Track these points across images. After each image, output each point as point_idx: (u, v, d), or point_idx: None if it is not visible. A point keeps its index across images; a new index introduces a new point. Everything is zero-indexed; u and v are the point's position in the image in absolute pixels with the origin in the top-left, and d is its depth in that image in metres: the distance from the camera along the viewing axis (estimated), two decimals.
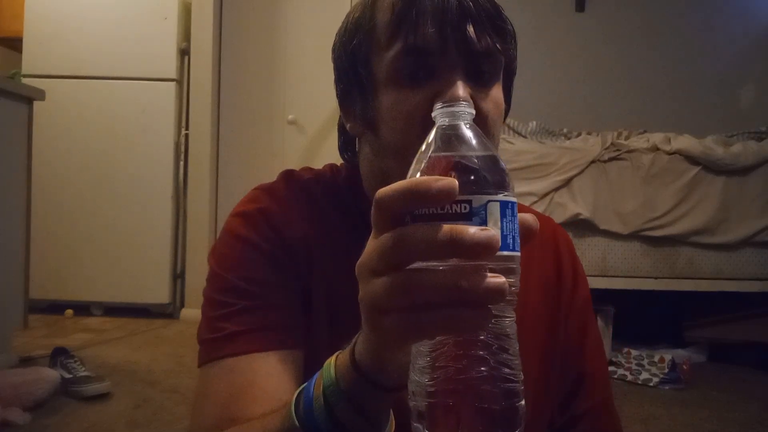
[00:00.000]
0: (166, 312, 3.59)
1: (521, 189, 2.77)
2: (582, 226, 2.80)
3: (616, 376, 2.60)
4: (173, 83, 3.58)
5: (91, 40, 3.53)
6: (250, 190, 0.72)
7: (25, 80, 3.23)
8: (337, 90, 0.69)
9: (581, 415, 0.74)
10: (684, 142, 2.85)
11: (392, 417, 0.48)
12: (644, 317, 3.10)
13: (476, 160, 0.38)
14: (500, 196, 0.37)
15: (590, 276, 3.02)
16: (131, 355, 2.70)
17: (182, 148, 3.64)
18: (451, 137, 0.39)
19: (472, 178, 0.37)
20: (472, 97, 0.58)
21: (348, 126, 0.69)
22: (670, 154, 2.82)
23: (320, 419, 0.45)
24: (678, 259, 2.81)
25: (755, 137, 3.09)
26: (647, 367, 2.62)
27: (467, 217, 0.36)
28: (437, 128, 0.40)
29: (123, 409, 2.07)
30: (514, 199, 0.38)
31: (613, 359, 2.72)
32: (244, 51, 3.78)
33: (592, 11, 3.91)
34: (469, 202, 0.36)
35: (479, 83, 0.61)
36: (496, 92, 0.63)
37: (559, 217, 2.75)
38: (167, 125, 3.58)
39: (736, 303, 2.87)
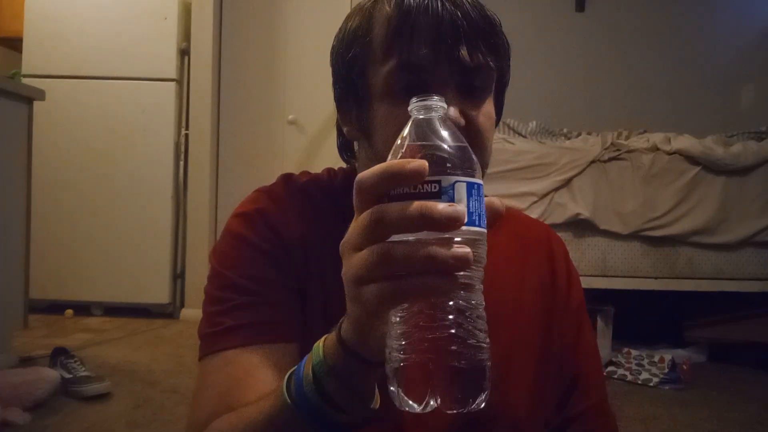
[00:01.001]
0: (166, 312, 3.59)
1: (521, 189, 2.77)
2: (582, 226, 2.80)
3: (616, 376, 2.60)
4: (173, 83, 3.58)
5: (91, 40, 3.53)
6: (251, 192, 0.74)
7: (25, 80, 3.24)
8: (335, 92, 0.71)
9: (577, 416, 0.75)
10: (684, 142, 2.85)
11: (377, 392, 0.51)
12: (644, 317, 3.10)
13: (447, 148, 0.41)
14: (467, 178, 0.41)
15: (590, 276, 3.02)
16: (131, 355, 2.70)
17: (182, 148, 3.64)
18: (424, 128, 0.43)
19: (443, 161, 0.41)
20: (464, 112, 0.61)
21: (345, 130, 0.71)
22: (670, 154, 2.82)
23: (310, 394, 0.48)
24: (678, 259, 2.81)
25: (755, 137, 3.09)
26: (647, 367, 2.62)
27: (437, 196, 0.40)
28: (412, 120, 0.44)
29: (123, 409, 2.07)
30: (480, 181, 0.42)
31: (613, 359, 2.72)
32: (244, 51, 3.78)
33: (592, 11, 3.91)
34: (439, 182, 0.40)
35: (471, 98, 0.63)
36: (488, 106, 0.66)
37: (559, 217, 2.75)
38: (167, 125, 3.58)
39: (736, 303, 2.87)
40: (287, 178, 0.75)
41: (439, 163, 0.40)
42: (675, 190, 2.79)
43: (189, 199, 3.66)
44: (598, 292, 2.68)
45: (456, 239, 0.39)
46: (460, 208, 0.39)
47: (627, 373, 2.62)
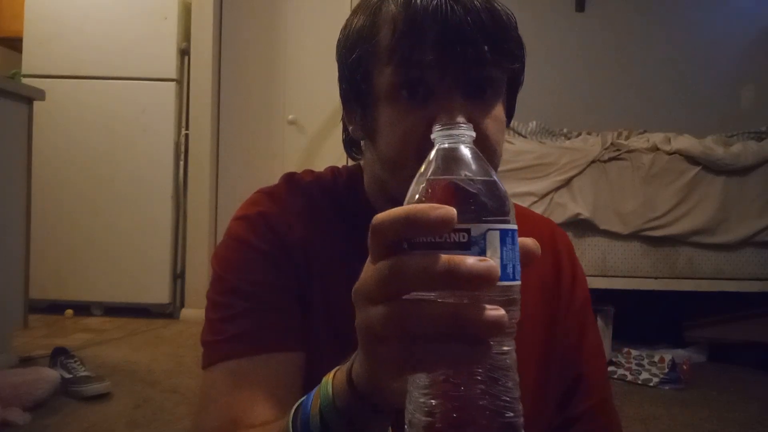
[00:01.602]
0: (166, 312, 3.59)
1: (521, 189, 2.76)
2: (582, 226, 2.80)
3: (616, 376, 2.60)
4: (173, 83, 3.58)
5: (91, 40, 3.53)
6: (253, 193, 0.73)
7: (25, 80, 3.24)
8: (340, 89, 0.69)
9: (580, 415, 0.74)
10: (684, 142, 2.85)
11: None
12: (644, 317, 3.10)
13: (476, 185, 0.37)
14: (500, 225, 0.36)
15: (590, 276, 3.02)
16: (131, 355, 2.70)
17: (182, 148, 3.64)
18: (450, 160, 0.38)
19: (471, 204, 0.36)
20: (472, 118, 0.58)
21: (350, 128, 0.70)
22: (670, 154, 2.82)
23: None
24: (678, 259, 2.81)
25: (755, 137, 3.09)
26: (647, 367, 2.62)
27: (466, 247, 0.35)
28: (437, 150, 0.39)
29: (123, 409, 2.07)
30: (514, 227, 0.37)
31: (613, 359, 2.72)
32: (244, 51, 3.78)
33: (592, 11, 3.90)
34: (468, 231, 0.35)
35: (480, 104, 0.61)
36: (498, 110, 0.63)
37: (559, 217, 2.75)
38: (167, 125, 3.58)
39: (736, 303, 2.87)
40: (290, 179, 0.74)
41: (468, 206, 0.36)
42: (675, 190, 2.79)
43: (189, 199, 3.66)
44: (598, 292, 2.68)
45: (488, 297, 0.35)
46: (493, 263, 0.34)
47: (627, 373, 2.62)
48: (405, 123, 0.60)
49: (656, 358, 2.63)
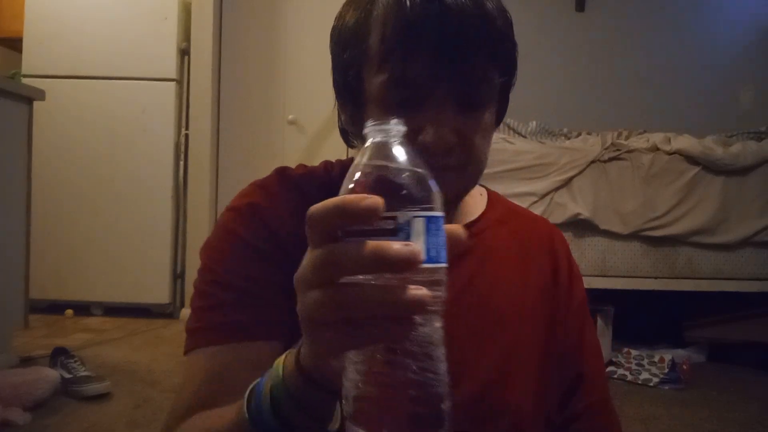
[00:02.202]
0: (166, 312, 3.59)
1: (521, 189, 2.76)
2: (582, 226, 2.80)
3: (616, 376, 2.60)
4: (173, 83, 3.58)
5: (91, 40, 3.53)
6: (246, 186, 0.73)
7: (25, 80, 3.23)
8: (333, 79, 0.70)
9: (580, 414, 0.74)
10: (684, 142, 2.85)
11: (338, 414, 0.49)
12: (644, 317, 3.10)
13: (404, 177, 0.40)
14: (424, 212, 0.39)
15: (590, 276, 3.02)
16: (131, 355, 2.70)
17: (182, 148, 3.64)
18: (381, 154, 0.41)
19: (399, 194, 0.39)
20: (462, 132, 0.60)
21: (342, 118, 0.71)
22: (670, 154, 2.82)
23: (266, 415, 0.47)
24: (678, 259, 2.81)
25: (755, 137, 3.09)
26: (647, 367, 2.62)
27: (393, 233, 0.38)
28: (369, 143, 0.41)
29: (123, 409, 2.07)
30: (439, 214, 0.40)
31: (613, 359, 2.72)
32: (244, 51, 3.78)
33: (592, 11, 3.91)
34: (395, 218, 0.38)
35: (470, 111, 0.62)
36: (487, 119, 0.64)
37: (559, 217, 2.75)
38: (167, 125, 3.58)
39: (736, 303, 2.87)
40: (282, 171, 0.74)
41: (395, 196, 0.38)
42: (675, 190, 2.79)
43: (189, 199, 3.66)
44: (598, 292, 2.68)
45: (414, 278, 0.38)
46: (416, 247, 0.37)
47: (627, 373, 2.62)
48: None
49: (656, 358, 2.63)
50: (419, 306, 0.37)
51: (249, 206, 0.69)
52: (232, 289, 0.65)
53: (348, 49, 0.64)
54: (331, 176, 0.74)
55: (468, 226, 0.73)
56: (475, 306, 0.70)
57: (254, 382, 0.50)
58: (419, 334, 0.39)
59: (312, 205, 0.62)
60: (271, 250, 0.66)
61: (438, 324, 0.40)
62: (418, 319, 0.38)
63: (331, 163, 0.76)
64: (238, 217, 0.68)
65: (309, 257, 0.40)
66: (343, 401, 0.41)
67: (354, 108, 0.66)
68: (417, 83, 0.60)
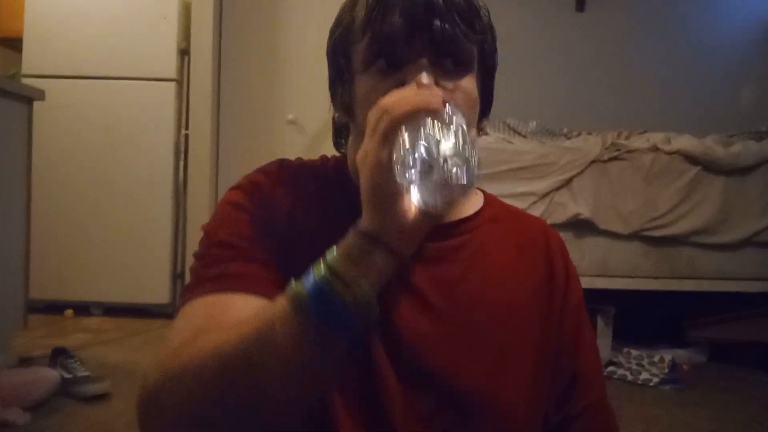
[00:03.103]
0: (166, 312, 3.58)
1: (521, 189, 2.76)
2: (582, 226, 2.80)
3: (616, 376, 2.60)
4: (173, 83, 3.57)
5: (91, 40, 3.53)
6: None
7: (25, 80, 3.24)
8: (329, 78, 0.74)
9: (577, 414, 0.75)
10: (684, 142, 2.85)
11: (376, 306, 0.54)
12: (644, 317, 3.09)
13: None
14: None
15: (590, 276, 3.01)
16: (131, 355, 2.70)
17: (182, 148, 3.64)
18: None
19: None
20: (438, 85, 0.63)
21: (335, 115, 0.75)
22: (670, 154, 2.82)
23: (321, 277, 0.52)
24: (678, 259, 2.81)
25: (755, 137, 3.09)
26: (647, 367, 2.62)
27: None
28: None
29: (123, 409, 2.07)
30: None
31: (613, 359, 2.71)
32: (244, 51, 3.78)
33: (592, 11, 3.90)
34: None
35: (447, 72, 0.64)
36: (467, 83, 0.66)
37: (559, 217, 2.75)
38: (167, 125, 3.58)
39: (736, 303, 2.87)
40: (281, 160, 0.77)
41: None
42: (675, 190, 2.79)
43: (189, 199, 3.66)
44: (598, 292, 2.68)
45: None
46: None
47: (627, 373, 2.62)
48: (378, 91, 0.62)
49: (656, 358, 2.63)
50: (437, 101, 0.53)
51: (250, 182, 0.72)
52: (230, 247, 0.66)
53: (337, 30, 0.70)
54: (326, 168, 0.77)
55: (462, 222, 0.75)
56: (466, 301, 0.70)
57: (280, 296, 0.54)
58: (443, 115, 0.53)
59: (307, 191, 0.69)
60: (269, 221, 0.68)
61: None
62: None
63: (327, 157, 0.80)
64: (241, 192, 0.70)
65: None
66: (397, 167, 0.51)
67: (344, 87, 0.70)
68: (396, 42, 0.63)
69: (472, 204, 0.79)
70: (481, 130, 0.77)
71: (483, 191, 0.83)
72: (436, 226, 0.72)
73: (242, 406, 0.53)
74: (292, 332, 0.52)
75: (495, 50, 0.71)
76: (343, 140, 0.79)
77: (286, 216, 0.69)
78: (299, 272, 0.62)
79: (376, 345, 0.65)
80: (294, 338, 0.51)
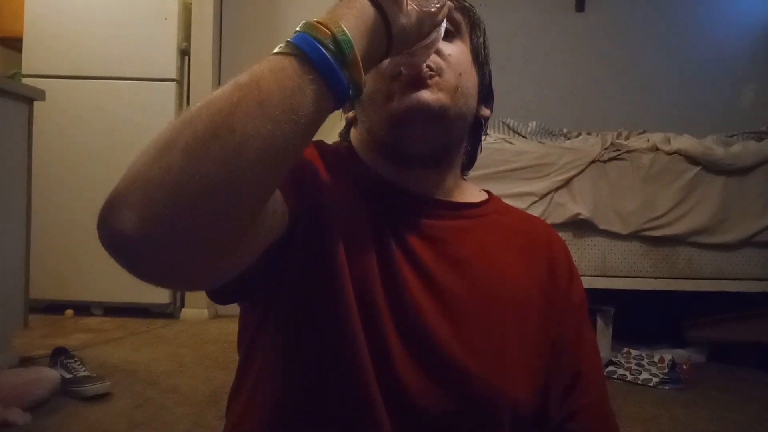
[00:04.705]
0: (166, 312, 3.59)
1: (521, 189, 2.77)
2: (582, 226, 2.80)
3: (616, 376, 2.60)
4: (173, 83, 3.58)
5: (91, 40, 3.53)
6: None
7: (25, 80, 3.24)
8: None
9: (578, 412, 0.75)
10: (684, 142, 2.85)
11: (364, 80, 0.59)
12: (644, 317, 3.10)
13: None
14: None
15: (590, 276, 3.01)
16: (131, 355, 2.70)
17: None
18: None
19: None
20: (439, 50, 0.71)
21: (344, 114, 0.79)
22: (670, 154, 2.82)
23: (307, 25, 0.55)
24: (678, 259, 2.81)
25: (755, 137, 3.09)
26: (647, 367, 2.62)
27: None
28: None
29: (123, 409, 2.07)
30: None
31: (613, 359, 2.72)
32: (244, 51, 3.78)
33: (592, 11, 3.91)
34: None
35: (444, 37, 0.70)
36: (461, 48, 0.74)
37: (559, 217, 2.75)
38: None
39: (736, 303, 2.87)
40: (319, 140, 0.80)
41: None
42: (675, 190, 2.79)
43: None
44: (598, 292, 2.68)
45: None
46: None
47: (627, 373, 2.62)
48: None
49: (656, 358, 2.63)
50: None
51: (313, 141, 0.77)
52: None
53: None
54: (339, 149, 0.80)
55: (467, 207, 0.78)
56: (471, 283, 0.72)
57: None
58: None
59: (328, 164, 0.75)
60: (313, 170, 0.71)
61: None
62: None
63: (339, 142, 0.84)
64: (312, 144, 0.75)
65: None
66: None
67: None
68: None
69: (476, 194, 0.83)
70: (483, 118, 0.81)
71: (487, 191, 0.86)
72: (439, 204, 0.75)
73: (220, 168, 0.49)
74: (280, 76, 0.54)
75: (484, 44, 0.79)
76: (348, 136, 0.83)
77: (320, 178, 0.72)
78: (303, 226, 0.66)
79: (382, 311, 0.67)
80: (279, 81, 0.53)
